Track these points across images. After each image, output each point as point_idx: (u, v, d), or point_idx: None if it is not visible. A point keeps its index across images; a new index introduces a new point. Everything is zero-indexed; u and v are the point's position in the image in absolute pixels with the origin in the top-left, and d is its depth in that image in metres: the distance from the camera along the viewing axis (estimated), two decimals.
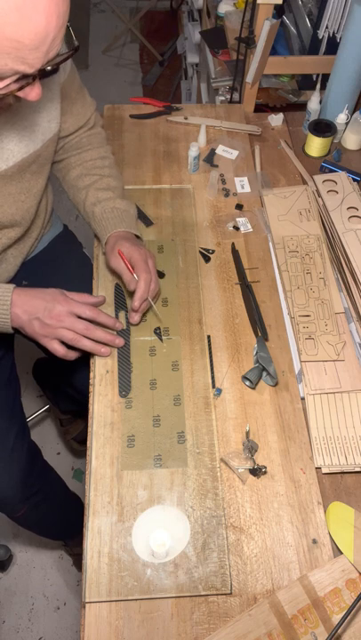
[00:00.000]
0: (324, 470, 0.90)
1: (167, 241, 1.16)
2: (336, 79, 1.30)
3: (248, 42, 1.30)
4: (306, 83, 1.54)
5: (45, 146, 1.01)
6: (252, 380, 0.96)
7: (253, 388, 0.97)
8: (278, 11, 1.43)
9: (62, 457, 1.85)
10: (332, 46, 1.39)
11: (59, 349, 0.97)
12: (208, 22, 1.92)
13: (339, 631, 0.74)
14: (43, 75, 0.73)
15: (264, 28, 1.25)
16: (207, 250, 1.15)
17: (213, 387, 0.97)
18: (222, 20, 1.67)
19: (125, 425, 0.93)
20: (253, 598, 0.79)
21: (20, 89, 0.73)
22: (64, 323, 0.94)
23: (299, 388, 0.98)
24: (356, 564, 0.79)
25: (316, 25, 1.42)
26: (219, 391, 0.97)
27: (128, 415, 0.94)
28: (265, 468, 0.88)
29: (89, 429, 0.93)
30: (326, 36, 1.42)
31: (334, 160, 1.33)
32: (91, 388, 0.97)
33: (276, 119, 1.39)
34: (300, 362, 0.99)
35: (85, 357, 1.00)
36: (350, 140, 1.35)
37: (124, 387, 0.97)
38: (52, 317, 0.94)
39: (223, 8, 1.69)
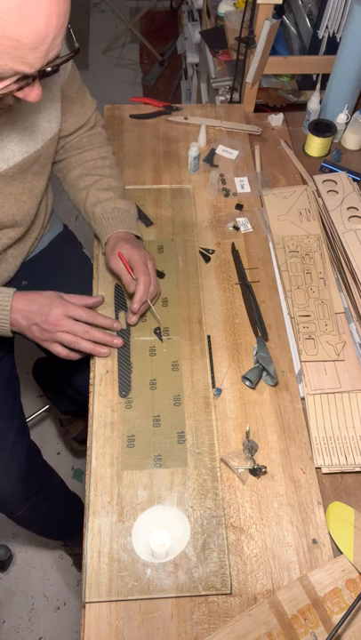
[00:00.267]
0: (324, 470, 0.90)
1: (167, 241, 1.16)
2: (336, 79, 1.30)
3: (248, 42, 1.30)
4: (306, 83, 1.54)
5: (46, 146, 1.01)
6: (252, 380, 0.96)
7: (253, 388, 0.97)
8: (278, 11, 1.43)
9: (62, 457, 1.85)
10: (332, 46, 1.39)
11: (61, 352, 0.98)
12: (208, 22, 1.92)
13: (339, 631, 0.74)
14: (42, 75, 0.73)
15: (264, 28, 1.25)
16: (207, 250, 1.15)
17: (213, 387, 0.97)
18: (222, 20, 1.67)
19: (125, 425, 0.93)
20: (253, 598, 0.79)
21: (20, 89, 0.73)
22: (62, 327, 0.94)
23: (299, 388, 0.98)
24: (357, 564, 0.79)
25: (316, 25, 1.42)
26: (219, 391, 0.97)
27: (128, 415, 0.94)
28: (265, 467, 0.88)
29: (89, 429, 0.93)
30: (326, 35, 1.42)
31: (334, 160, 1.33)
32: (91, 388, 0.97)
33: (276, 119, 1.39)
34: (300, 362, 0.99)
35: (85, 357, 1.00)
36: (350, 140, 1.35)
37: (124, 387, 0.97)
38: (50, 322, 0.94)
39: (223, 8, 1.69)
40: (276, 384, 0.97)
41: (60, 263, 1.26)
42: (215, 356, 1.01)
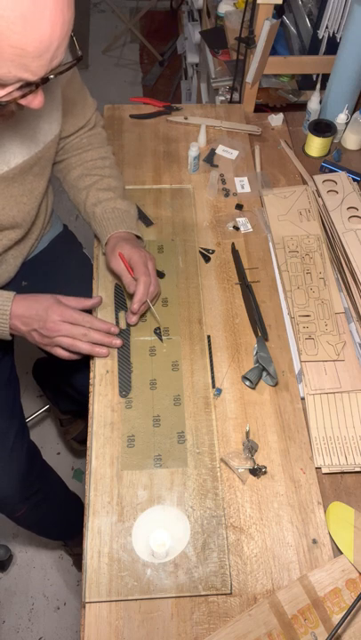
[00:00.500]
0: (324, 470, 0.90)
1: (167, 241, 1.16)
2: (336, 79, 1.30)
3: (248, 42, 1.30)
4: (306, 83, 1.54)
5: (47, 147, 1.01)
6: (252, 380, 0.96)
7: (253, 388, 0.97)
8: (278, 11, 1.43)
9: (62, 457, 1.85)
10: (332, 46, 1.39)
11: (62, 354, 0.98)
12: (208, 22, 1.92)
13: (339, 631, 0.74)
14: (44, 82, 0.72)
15: (264, 28, 1.25)
16: (207, 250, 1.15)
17: (213, 387, 0.97)
18: (222, 20, 1.67)
19: (125, 425, 0.93)
20: (253, 598, 0.79)
21: (23, 97, 0.73)
22: (60, 331, 0.94)
23: (299, 388, 0.98)
24: (357, 564, 0.79)
25: (316, 25, 1.42)
26: (219, 391, 0.97)
27: (128, 415, 0.94)
28: (265, 467, 0.88)
29: (89, 429, 0.93)
30: (326, 35, 1.42)
31: (334, 160, 1.33)
32: (91, 388, 0.97)
33: (276, 119, 1.39)
34: (300, 362, 0.99)
35: (85, 358, 1.00)
36: (350, 140, 1.35)
37: (124, 387, 0.97)
38: (48, 328, 0.94)
39: (223, 8, 1.69)
40: (276, 384, 0.97)
41: (60, 263, 1.26)
42: (215, 356, 1.01)
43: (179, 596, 0.78)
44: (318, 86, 1.34)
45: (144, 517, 0.84)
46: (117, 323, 1.04)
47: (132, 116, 1.39)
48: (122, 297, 1.08)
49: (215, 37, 1.68)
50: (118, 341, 0.99)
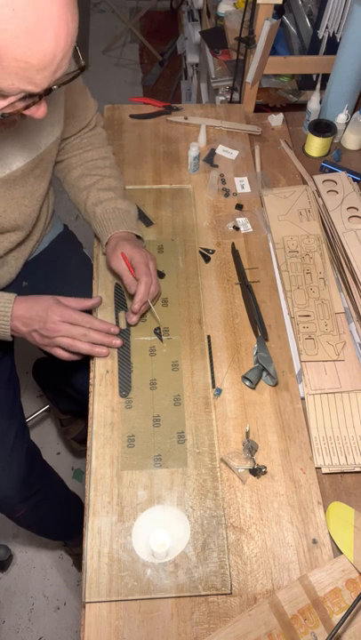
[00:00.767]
0: (324, 470, 0.90)
1: (167, 241, 1.16)
2: (336, 79, 1.30)
3: (248, 42, 1.30)
4: (306, 83, 1.54)
5: (48, 150, 1.01)
6: (252, 380, 0.96)
7: (253, 388, 0.97)
8: (278, 11, 1.43)
9: (62, 457, 1.85)
10: (332, 46, 1.39)
11: (62, 354, 0.98)
12: (208, 22, 1.92)
13: (339, 631, 0.74)
14: (48, 92, 0.72)
15: (264, 28, 1.25)
16: (207, 250, 1.15)
17: (213, 387, 0.97)
18: (222, 20, 1.67)
19: (125, 425, 0.93)
20: (253, 598, 0.79)
21: (26, 108, 0.73)
22: (60, 332, 0.95)
23: (299, 388, 0.98)
24: (357, 564, 0.79)
25: (316, 25, 1.42)
26: (219, 391, 0.97)
27: (128, 415, 0.94)
28: (265, 467, 0.88)
29: (89, 429, 0.93)
30: (326, 35, 1.42)
31: (334, 160, 1.33)
32: (91, 388, 0.97)
33: (276, 119, 1.39)
34: (300, 362, 0.99)
35: (85, 358, 1.00)
36: (350, 140, 1.35)
37: (124, 387, 0.97)
38: (48, 329, 0.94)
39: (223, 8, 1.69)
40: (276, 384, 0.97)
41: (60, 263, 1.26)
42: (215, 356, 1.01)
43: (179, 596, 0.78)
44: (318, 86, 1.34)
45: (144, 517, 0.84)
46: (117, 323, 1.04)
47: (132, 116, 1.39)
48: (122, 297, 1.08)
49: (215, 37, 1.68)
50: (118, 341, 0.99)
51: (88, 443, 0.92)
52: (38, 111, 0.75)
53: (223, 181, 1.27)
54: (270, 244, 1.17)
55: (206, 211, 1.22)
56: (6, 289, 1.16)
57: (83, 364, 1.03)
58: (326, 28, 1.40)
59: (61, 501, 1.40)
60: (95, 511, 0.85)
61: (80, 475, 1.81)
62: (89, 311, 1.03)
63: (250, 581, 0.80)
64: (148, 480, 0.88)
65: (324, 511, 0.86)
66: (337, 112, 1.32)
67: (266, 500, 0.87)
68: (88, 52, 3.21)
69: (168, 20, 3.40)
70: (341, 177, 1.23)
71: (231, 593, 0.79)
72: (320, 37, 1.43)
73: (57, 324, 0.94)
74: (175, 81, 3.07)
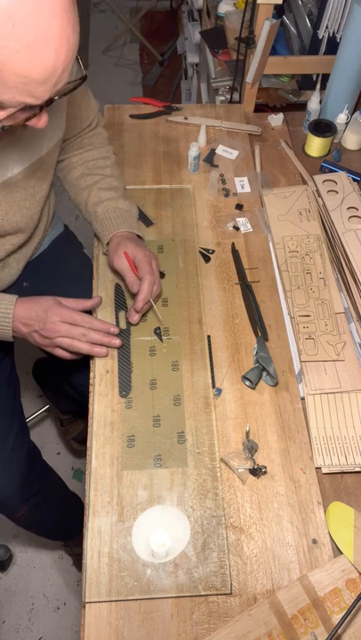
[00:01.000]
0: (324, 470, 0.90)
1: (167, 241, 1.16)
2: (336, 79, 1.30)
3: (248, 42, 1.30)
4: (306, 83, 1.54)
5: (50, 152, 1.01)
6: (252, 380, 0.96)
7: (253, 388, 0.97)
8: (278, 11, 1.43)
9: (62, 457, 1.85)
10: (332, 46, 1.39)
11: (63, 354, 0.99)
12: (208, 22, 1.92)
13: (339, 631, 0.74)
14: (49, 104, 0.72)
15: (264, 28, 1.25)
16: (207, 250, 1.15)
17: (213, 387, 0.97)
18: (222, 20, 1.67)
19: (125, 425, 0.93)
20: (253, 598, 0.79)
21: (27, 119, 0.72)
22: (60, 332, 0.95)
23: (299, 388, 0.98)
24: (357, 564, 0.79)
25: (316, 25, 1.42)
26: (219, 391, 0.97)
27: (128, 415, 0.94)
28: (265, 467, 0.88)
29: (89, 429, 0.93)
30: (326, 35, 1.42)
31: (334, 160, 1.33)
32: (91, 388, 0.97)
33: (276, 119, 1.39)
34: (300, 362, 0.99)
35: (85, 358, 1.01)
36: (350, 140, 1.35)
37: (124, 387, 0.97)
38: (48, 329, 0.95)
39: (223, 8, 1.69)
40: (276, 384, 0.97)
41: (60, 264, 1.26)
42: (215, 356, 1.01)
43: (179, 596, 0.78)
44: (318, 86, 1.34)
45: (144, 517, 0.84)
46: (117, 323, 1.04)
47: (132, 116, 1.39)
48: (122, 297, 1.08)
49: (215, 37, 1.68)
50: (118, 341, 0.99)
51: (88, 443, 0.92)
52: (40, 122, 0.74)
53: (223, 181, 1.27)
54: (270, 244, 1.17)
55: (206, 211, 1.22)
56: (7, 290, 1.16)
57: (83, 363, 1.03)
58: (326, 27, 1.40)
59: (61, 501, 1.40)
60: (95, 511, 0.85)
61: (80, 475, 1.81)
62: (89, 311, 1.03)
63: (250, 581, 0.80)
64: (148, 480, 0.88)
65: (324, 511, 0.86)
66: (337, 112, 1.32)
67: (266, 499, 0.87)
68: (88, 52, 3.21)
69: (168, 20, 3.40)
70: (341, 177, 1.23)
71: (231, 593, 0.79)
72: (320, 37, 1.43)
73: (56, 324, 0.94)
74: (175, 81, 3.07)
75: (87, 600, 0.78)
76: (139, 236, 1.09)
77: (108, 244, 1.07)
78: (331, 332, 1.01)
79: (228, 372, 0.99)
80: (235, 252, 1.15)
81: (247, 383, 0.97)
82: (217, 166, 1.30)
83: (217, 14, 1.75)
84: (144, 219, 1.19)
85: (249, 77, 1.36)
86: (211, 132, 1.36)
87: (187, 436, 0.92)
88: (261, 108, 1.51)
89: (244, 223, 1.19)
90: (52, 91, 0.69)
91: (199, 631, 0.76)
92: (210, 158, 1.31)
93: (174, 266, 1.12)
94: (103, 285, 1.09)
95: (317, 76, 1.47)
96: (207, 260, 1.14)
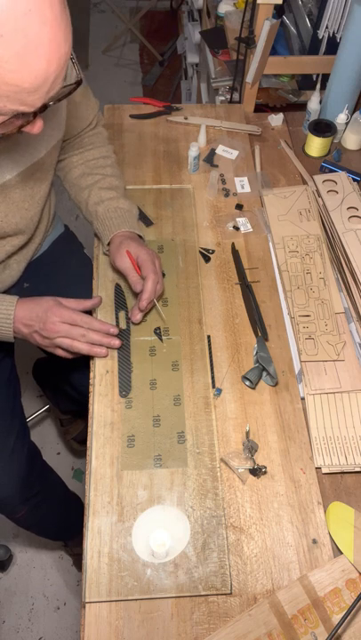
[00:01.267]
0: (324, 470, 0.90)
1: (167, 241, 1.16)
2: (336, 79, 1.30)
3: (248, 42, 1.30)
4: (306, 83, 1.54)
5: (49, 153, 1.01)
6: (252, 380, 0.96)
7: (253, 388, 0.97)
8: (278, 11, 1.43)
9: (62, 457, 1.85)
10: (332, 46, 1.39)
11: (63, 354, 0.99)
12: (208, 22, 1.92)
13: (339, 631, 0.74)
14: (43, 109, 0.71)
15: (264, 28, 1.25)
16: (207, 250, 1.15)
17: (213, 387, 0.97)
18: (222, 20, 1.67)
19: (125, 425, 0.93)
20: (253, 598, 0.79)
21: (21, 127, 0.72)
22: (60, 332, 0.95)
23: (299, 388, 0.98)
24: (357, 564, 0.79)
25: (316, 25, 1.42)
26: (219, 391, 0.97)
27: (128, 415, 0.94)
28: (265, 467, 0.88)
29: (89, 429, 0.93)
30: (326, 35, 1.42)
31: (334, 160, 1.33)
32: (91, 388, 0.97)
33: (276, 119, 1.39)
34: (300, 362, 0.99)
35: (85, 358, 1.01)
36: (350, 140, 1.35)
37: (124, 387, 0.97)
38: (48, 329, 0.95)
39: (223, 8, 1.69)
40: (276, 384, 0.97)
41: (61, 264, 1.26)
42: (215, 356, 1.01)
43: (179, 596, 0.78)
44: (318, 86, 1.34)
45: (144, 517, 0.84)
46: (117, 323, 1.04)
47: (132, 116, 1.39)
48: (122, 297, 1.08)
49: (215, 37, 1.68)
50: (117, 342, 0.99)
51: (88, 443, 0.92)
52: (34, 128, 0.74)
53: (223, 181, 1.27)
54: (270, 244, 1.17)
55: (206, 211, 1.22)
56: (8, 291, 1.16)
57: (83, 364, 1.03)
58: (326, 27, 1.40)
59: (61, 502, 1.40)
60: (95, 511, 0.85)
61: (80, 475, 1.81)
62: (90, 312, 1.03)
63: (250, 581, 0.80)
64: (148, 480, 0.88)
65: (324, 511, 0.86)
66: (337, 112, 1.32)
67: (266, 500, 0.87)
68: (88, 52, 3.21)
69: (168, 20, 3.40)
70: (341, 177, 1.23)
71: (231, 593, 0.79)
72: (320, 37, 1.43)
73: (56, 324, 0.95)
74: (175, 81, 3.07)
75: (87, 600, 0.78)
76: (140, 237, 1.09)
77: (109, 243, 1.07)
78: (331, 332, 1.01)
79: (228, 372, 0.99)
80: (235, 252, 1.15)
81: (247, 383, 0.97)
82: (217, 166, 1.30)
83: (217, 14, 1.75)
84: (144, 219, 1.19)
85: (249, 77, 1.36)
86: (211, 131, 1.36)
87: (187, 435, 0.92)
88: (261, 108, 1.51)
89: (244, 223, 1.19)
90: (45, 98, 0.68)
91: (199, 631, 0.76)
92: (210, 158, 1.31)
93: (174, 266, 1.12)
94: (103, 285, 1.09)
95: (317, 76, 1.47)
96: (207, 260, 1.14)
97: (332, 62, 1.31)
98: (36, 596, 1.61)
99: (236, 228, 1.19)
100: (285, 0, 1.57)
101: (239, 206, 1.22)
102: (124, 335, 1.02)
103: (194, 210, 1.21)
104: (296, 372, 0.99)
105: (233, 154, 1.32)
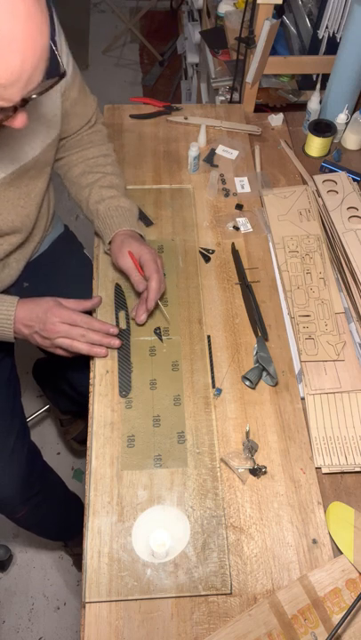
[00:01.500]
0: (324, 470, 0.90)
1: (167, 241, 1.16)
2: (336, 79, 1.30)
3: (248, 42, 1.30)
4: (306, 83, 1.54)
5: (44, 151, 1.01)
6: (252, 380, 0.96)
7: (253, 388, 0.97)
8: (278, 11, 1.43)
9: (62, 457, 1.85)
10: (332, 46, 1.39)
11: (64, 354, 0.99)
12: (208, 22, 1.92)
13: (339, 631, 0.74)
14: (25, 103, 0.70)
15: (264, 28, 1.25)
16: (207, 250, 1.15)
17: (213, 387, 0.97)
18: (222, 20, 1.67)
19: (125, 425, 0.93)
20: (253, 598, 0.79)
21: (2, 121, 0.71)
22: (60, 333, 0.95)
23: (299, 388, 0.98)
24: (357, 564, 0.79)
25: (316, 25, 1.42)
26: (219, 391, 0.97)
27: (128, 415, 0.94)
28: (265, 467, 0.88)
29: (89, 429, 0.93)
30: (326, 35, 1.42)
31: (334, 160, 1.33)
32: (91, 388, 0.97)
33: (276, 119, 1.39)
34: (300, 362, 0.99)
35: (85, 358, 1.00)
36: (350, 140, 1.35)
37: (124, 387, 0.97)
38: (48, 330, 0.95)
39: (223, 8, 1.69)
40: (276, 384, 0.97)
41: (61, 264, 1.26)
42: (215, 356, 1.01)
43: (179, 596, 0.78)
44: (318, 86, 1.34)
45: (144, 517, 0.84)
46: (117, 323, 1.04)
47: (132, 116, 1.39)
48: (122, 297, 1.08)
49: (215, 37, 1.68)
50: (117, 342, 0.99)
51: (88, 443, 0.92)
52: (15, 122, 0.73)
53: (223, 181, 1.27)
54: (270, 244, 1.17)
55: (206, 211, 1.22)
56: (8, 290, 1.16)
57: (83, 364, 1.03)
58: (326, 27, 1.40)
59: (61, 502, 1.40)
60: (95, 511, 0.85)
61: (80, 475, 1.81)
62: (90, 312, 1.03)
63: (250, 581, 0.80)
64: (148, 480, 0.88)
65: (324, 511, 0.86)
66: (337, 112, 1.32)
67: (266, 500, 0.87)
68: (88, 52, 3.21)
69: (168, 20, 3.40)
70: (341, 177, 1.23)
71: (231, 593, 0.79)
72: (320, 37, 1.43)
73: (56, 325, 0.94)
74: (175, 81, 3.07)
75: (87, 600, 0.78)
76: (141, 236, 1.09)
77: (110, 242, 1.07)
78: (331, 332, 1.01)
79: (228, 372, 0.99)
80: (235, 252, 1.15)
81: (247, 383, 0.97)
82: (217, 166, 1.30)
83: (217, 14, 1.75)
84: (144, 219, 1.19)
85: (249, 77, 1.36)
86: (211, 131, 1.36)
87: (187, 436, 0.92)
88: (261, 108, 1.51)
89: (244, 223, 1.19)
90: (24, 92, 0.68)
91: (199, 631, 0.76)
92: (210, 158, 1.31)
93: (174, 266, 1.12)
94: (103, 285, 1.09)
95: (317, 76, 1.47)
96: (207, 260, 1.14)
97: (332, 62, 1.31)
98: (36, 595, 1.61)
99: (236, 228, 1.19)
100: (285, 0, 1.57)
101: (239, 206, 1.22)
102: (124, 335, 1.02)
103: (194, 210, 1.21)
104: (296, 372, 0.99)
105: (233, 154, 1.32)
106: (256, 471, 0.88)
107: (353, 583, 0.79)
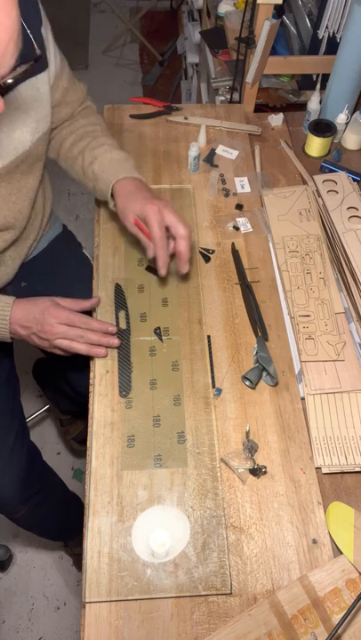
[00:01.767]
0: (324, 470, 0.90)
1: None
2: (336, 79, 1.30)
3: (248, 42, 1.30)
4: (306, 83, 1.54)
5: (35, 145, 1.00)
6: (252, 380, 0.96)
7: (253, 388, 0.97)
8: (278, 11, 1.43)
9: (62, 457, 1.85)
10: (332, 46, 1.39)
11: (64, 354, 0.98)
12: (208, 22, 1.92)
13: (339, 631, 0.74)
14: (1, 90, 0.68)
15: (264, 28, 1.25)
16: (207, 250, 1.15)
17: (213, 387, 0.97)
18: (222, 20, 1.67)
19: (125, 425, 0.93)
20: (253, 598, 0.79)
21: None
22: (58, 334, 0.94)
23: (299, 388, 0.98)
24: (357, 564, 0.79)
25: (316, 25, 1.42)
26: (219, 391, 0.97)
27: (128, 415, 0.94)
28: (265, 467, 0.88)
29: (89, 429, 0.93)
30: (326, 35, 1.42)
31: (334, 160, 1.33)
32: (91, 388, 0.97)
33: (276, 119, 1.39)
34: (300, 362, 0.99)
35: (85, 358, 1.00)
36: (350, 140, 1.35)
37: (124, 387, 0.97)
38: (45, 331, 0.94)
39: (223, 8, 1.69)
40: (276, 384, 0.97)
41: (59, 264, 1.26)
42: (215, 356, 1.01)
43: (179, 596, 0.78)
44: (318, 86, 1.34)
45: (144, 517, 0.84)
46: (117, 323, 1.04)
47: (132, 116, 1.39)
48: (122, 297, 1.08)
49: (215, 37, 1.68)
50: (116, 341, 0.98)
51: (88, 443, 0.92)
52: None
53: (223, 181, 1.27)
54: (270, 244, 1.17)
55: (206, 211, 1.22)
56: (5, 289, 1.16)
57: (82, 364, 1.02)
58: (326, 27, 1.40)
59: (61, 502, 1.40)
60: (95, 511, 0.85)
61: (80, 475, 1.81)
62: (90, 312, 1.03)
63: (250, 581, 0.80)
64: (148, 480, 0.88)
65: (324, 511, 0.86)
66: (337, 112, 1.32)
67: (266, 500, 0.87)
68: (88, 52, 3.21)
69: (168, 20, 3.41)
70: (341, 177, 1.23)
71: (231, 593, 0.79)
72: (320, 37, 1.43)
73: (54, 325, 0.93)
74: (175, 81, 3.07)
75: (87, 600, 0.78)
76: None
77: (113, 196, 1.03)
78: (331, 332, 1.01)
79: (228, 372, 0.99)
80: (235, 252, 1.15)
81: (247, 383, 0.97)
82: (217, 166, 1.30)
83: (217, 14, 1.75)
84: None
85: (249, 77, 1.36)
86: (211, 131, 1.36)
87: (187, 436, 0.92)
88: (261, 108, 1.51)
89: (244, 223, 1.19)
90: None
91: (199, 631, 0.76)
92: (210, 158, 1.31)
93: (174, 266, 1.12)
94: (103, 285, 1.09)
95: (317, 76, 1.47)
96: (207, 260, 1.14)
97: (332, 62, 1.31)
98: (36, 595, 1.61)
99: (236, 228, 1.19)
100: (285, 0, 1.57)
101: (239, 206, 1.22)
102: (124, 335, 1.02)
103: (194, 210, 1.21)
104: (296, 371, 0.99)
105: (233, 154, 1.32)
106: (256, 471, 0.88)
107: (353, 583, 0.79)
